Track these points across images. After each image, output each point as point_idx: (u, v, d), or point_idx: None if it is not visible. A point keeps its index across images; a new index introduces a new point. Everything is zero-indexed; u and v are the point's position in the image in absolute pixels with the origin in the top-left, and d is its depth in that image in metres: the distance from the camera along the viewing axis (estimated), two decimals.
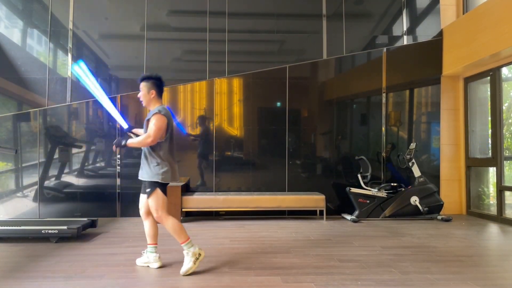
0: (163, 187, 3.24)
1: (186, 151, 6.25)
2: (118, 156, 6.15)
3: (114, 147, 3.37)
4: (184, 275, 3.13)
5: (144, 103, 3.38)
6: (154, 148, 3.24)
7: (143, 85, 3.34)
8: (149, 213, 3.37)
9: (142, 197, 3.42)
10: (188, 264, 3.16)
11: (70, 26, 6.22)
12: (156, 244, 3.44)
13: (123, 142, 3.25)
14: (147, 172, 3.23)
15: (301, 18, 6.61)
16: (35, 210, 6.00)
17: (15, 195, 6.05)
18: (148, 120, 3.23)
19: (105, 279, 3.08)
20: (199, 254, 3.22)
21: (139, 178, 3.34)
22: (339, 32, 6.50)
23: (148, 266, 3.40)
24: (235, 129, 6.38)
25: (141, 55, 6.28)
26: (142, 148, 3.30)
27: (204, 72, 6.34)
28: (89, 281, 3.03)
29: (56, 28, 6.21)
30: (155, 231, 3.44)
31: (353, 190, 5.94)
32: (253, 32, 6.55)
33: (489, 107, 6.03)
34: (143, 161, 3.32)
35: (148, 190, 3.22)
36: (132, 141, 3.25)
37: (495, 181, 5.85)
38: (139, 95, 3.37)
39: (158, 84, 3.36)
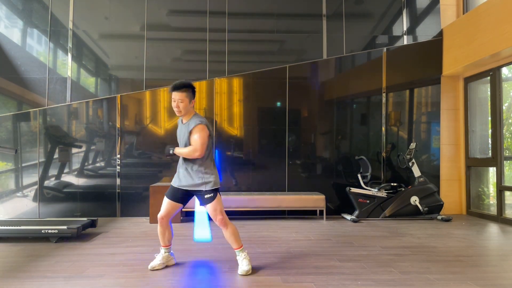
0: (218, 190, 3.27)
1: None
2: (118, 156, 6.15)
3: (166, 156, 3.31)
4: (243, 275, 3.16)
5: (181, 113, 3.16)
6: (197, 159, 3.20)
7: (184, 95, 3.11)
8: (169, 220, 3.35)
9: (168, 204, 3.29)
10: (247, 265, 3.19)
11: (70, 26, 6.22)
12: (171, 245, 3.47)
13: (170, 151, 3.20)
14: (197, 181, 3.17)
15: (301, 18, 6.61)
16: (35, 210, 6.00)
17: (15, 195, 6.05)
18: (190, 131, 3.14)
19: (105, 279, 3.08)
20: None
21: (184, 188, 3.22)
22: (339, 32, 6.50)
23: (166, 266, 3.41)
24: (235, 129, 6.38)
25: (141, 55, 6.28)
26: (166, 154, 3.27)
27: (204, 72, 6.35)
28: (89, 281, 3.03)
29: (56, 28, 6.21)
30: (171, 234, 3.43)
31: (353, 190, 5.94)
32: (253, 32, 6.55)
33: (489, 107, 6.03)
34: (186, 170, 3.21)
35: (209, 196, 3.16)
36: (179, 151, 3.16)
37: (495, 181, 5.85)
38: (177, 105, 3.12)
39: (195, 94, 3.27)
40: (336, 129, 6.49)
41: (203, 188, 3.18)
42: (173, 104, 3.16)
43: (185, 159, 3.23)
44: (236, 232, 3.26)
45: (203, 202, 3.23)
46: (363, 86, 6.58)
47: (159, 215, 3.31)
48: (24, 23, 6.21)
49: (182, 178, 3.26)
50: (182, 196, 3.29)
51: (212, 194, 3.18)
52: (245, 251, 3.30)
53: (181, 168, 3.29)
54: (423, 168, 6.43)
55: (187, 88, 3.15)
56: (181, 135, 3.28)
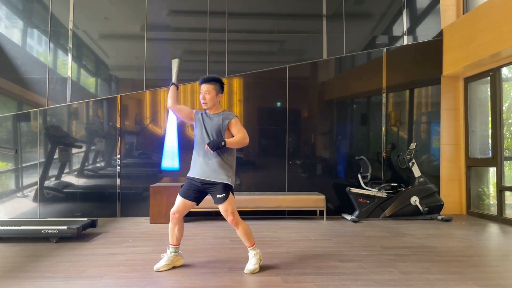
0: (232, 191, 3.28)
1: (187, 151, 6.23)
2: (118, 156, 6.15)
3: (208, 148, 3.09)
4: (248, 274, 3.20)
5: (207, 106, 3.23)
6: (227, 152, 3.22)
7: (211, 88, 3.20)
8: (182, 217, 3.35)
9: (181, 201, 3.28)
10: (254, 264, 3.24)
11: (70, 26, 6.22)
12: (180, 244, 3.43)
13: (222, 143, 3.07)
14: (221, 175, 3.17)
15: (301, 18, 6.61)
16: (35, 210, 6.00)
17: (15, 195, 6.05)
18: (229, 122, 3.20)
19: (105, 279, 3.08)
20: (261, 260, 3.34)
21: (206, 178, 3.18)
22: (339, 32, 6.50)
23: (173, 267, 3.37)
24: None
25: (141, 55, 6.28)
26: (212, 149, 3.12)
27: (204, 72, 6.34)
28: (89, 281, 3.03)
29: (56, 28, 6.21)
30: (182, 233, 3.41)
31: (353, 190, 5.94)
32: (253, 32, 6.55)
33: (489, 107, 6.03)
34: (213, 161, 3.18)
35: (222, 195, 3.17)
36: (231, 141, 3.13)
37: (495, 181, 5.85)
38: (203, 96, 3.21)
39: (223, 89, 3.32)
40: (336, 129, 6.49)
41: (219, 180, 3.16)
42: (200, 96, 3.25)
43: (219, 151, 3.19)
44: (248, 231, 3.29)
45: (215, 201, 3.23)
46: (363, 86, 6.58)
47: (172, 210, 3.30)
48: (24, 23, 6.21)
49: (200, 169, 3.22)
50: (195, 195, 3.27)
51: (224, 194, 3.18)
52: (256, 249, 3.32)
53: (202, 159, 3.21)
54: (423, 168, 6.42)
55: (215, 81, 3.25)
56: (212, 127, 3.22)
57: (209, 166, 3.20)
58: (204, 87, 3.22)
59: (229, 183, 3.20)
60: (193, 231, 5.00)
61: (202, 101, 3.24)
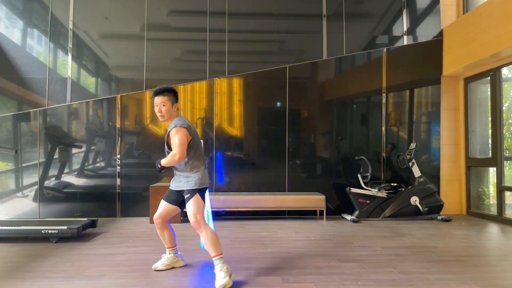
0: (201, 192, 3.11)
1: None
2: (118, 156, 6.15)
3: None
4: None
5: (164, 118, 3.11)
6: (183, 162, 3.15)
7: (166, 99, 3.07)
8: (165, 222, 3.31)
9: (163, 205, 3.26)
10: (223, 278, 2.84)
11: (70, 26, 6.22)
12: (176, 246, 3.42)
13: (159, 166, 3.11)
14: (183, 182, 3.11)
15: (301, 18, 6.61)
16: (35, 210, 6.00)
17: (15, 195, 6.05)
18: (168, 135, 3.11)
19: (105, 279, 3.08)
20: (230, 273, 2.94)
21: (176, 190, 3.19)
22: (339, 32, 6.50)
23: (172, 267, 3.37)
24: (235, 129, 6.38)
25: (141, 55, 6.28)
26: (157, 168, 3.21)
27: (204, 72, 6.35)
28: (89, 281, 3.03)
29: (56, 28, 6.21)
30: (172, 235, 3.38)
31: (353, 190, 5.94)
32: (253, 32, 6.55)
33: (489, 107, 6.03)
34: (176, 173, 3.21)
35: (188, 195, 3.07)
36: (163, 162, 3.08)
37: (495, 181, 5.85)
38: (159, 109, 3.08)
39: (177, 98, 3.21)
40: (336, 129, 6.49)
41: (184, 187, 3.10)
42: (156, 109, 3.12)
43: None
44: (213, 238, 2.98)
45: (186, 200, 3.13)
46: (363, 86, 6.58)
47: (154, 216, 3.28)
48: (24, 23, 6.21)
49: (173, 180, 3.25)
50: (176, 198, 3.23)
51: (189, 194, 3.08)
52: (222, 261, 2.94)
53: (174, 169, 3.27)
54: (423, 168, 6.42)
55: (169, 92, 3.13)
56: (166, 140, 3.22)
57: (177, 177, 3.20)
58: (159, 99, 3.08)
59: (186, 188, 3.08)
60: (193, 231, 4.99)
61: (158, 114, 3.11)
